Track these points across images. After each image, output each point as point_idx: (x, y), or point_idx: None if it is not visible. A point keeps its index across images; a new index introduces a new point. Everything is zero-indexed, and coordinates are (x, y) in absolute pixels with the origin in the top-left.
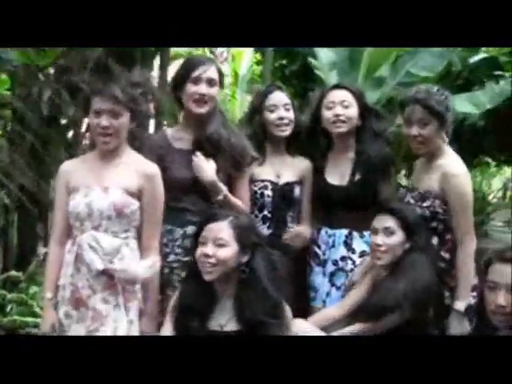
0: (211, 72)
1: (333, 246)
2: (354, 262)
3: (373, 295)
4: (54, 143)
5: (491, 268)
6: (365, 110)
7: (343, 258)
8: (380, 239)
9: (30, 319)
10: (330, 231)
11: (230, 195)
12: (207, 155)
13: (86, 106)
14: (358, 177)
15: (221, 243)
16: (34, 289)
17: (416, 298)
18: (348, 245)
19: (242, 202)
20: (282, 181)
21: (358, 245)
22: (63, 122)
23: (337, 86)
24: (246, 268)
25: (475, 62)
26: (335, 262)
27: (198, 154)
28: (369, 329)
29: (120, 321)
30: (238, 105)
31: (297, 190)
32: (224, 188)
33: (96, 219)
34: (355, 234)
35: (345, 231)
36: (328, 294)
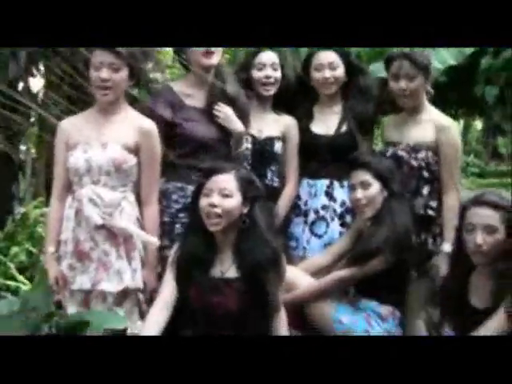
0: None
1: (314, 195)
2: (334, 211)
3: (358, 243)
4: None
5: (468, 212)
6: (351, 68)
7: (324, 207)
8: (359, 193)
9: (8, 282)
10: (312, 181)
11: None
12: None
13: (87, 60)
14: (344, 128)
15: (226, 194)
16: (14, 249)
17: (396, 240)
18: (329, 194)
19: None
20: (263, 135)
21: (339, 194)
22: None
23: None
24: (246, 218)
25: None
26: (316, 211)
27: (222, 105)
28: (355, 273)
29: (124, 271)
30: None
31: (277, 146)
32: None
33: (95, 174)
34: (336, 183)
35: (326, 181)
36: (308, 242)
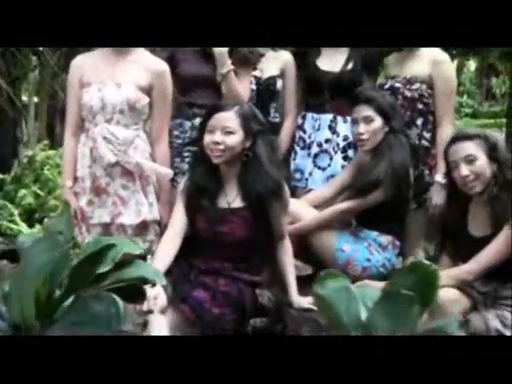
0: None
1: (318, 129)
2: (338, 145)
3: (359, 176)
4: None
5: (449, 152)
6: None
7: (327, 141)
8: (362, 128)
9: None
10: (316, 115)
11: (233, 74)
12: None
13: None
14: (350, 66)
15: (228, 131)
16: (22, 192)
17: (394, 173)
18: (332, 128)
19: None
20: (265, 75)
21: (342, 128)
22: None
23: None
24: (249, 152)
25: None
26: (319, 144)
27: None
28: (356, 205)
29: (141, 204)
30: None
31: (279, 83)
32: (229, 63)
33: (109, 113)
34: (339, 118)
35: (329, 116)
36: (311, 174)
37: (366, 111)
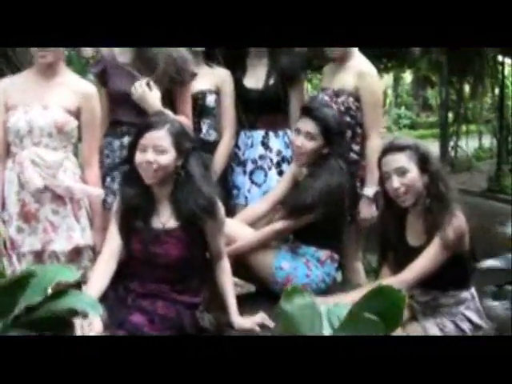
0: None
1: (251, 146)
2: (271, 160)
3: (293, 193)
4: None
5: (381, 163)
6: None
7: (261, 157)
8: (300, 141)
9: None
10: (249, 133)
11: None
12: (147, 71)
13: None
14: (271, 81)
15: (161, 149)
16: None
17: (330, 198)
18: (265, 144)
19: (184, 116)
20: (195, 89)
21: (275, 144)
22: None
23: None
24: (181, 170)
25: None
26: (254, 161)
27: (141, 81)
28: (291, 225)
29: (72, 229)
30: None
31: (209, 99)
32: (170, 113)
33: (36, 136)
34: (271, 133)
35: (261, 132)
36: (249, 191)
37: (311, 127)
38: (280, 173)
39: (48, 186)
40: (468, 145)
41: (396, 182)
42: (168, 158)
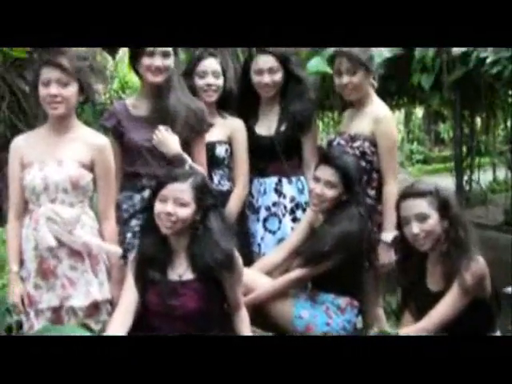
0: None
1: (264, 193)
2: (285, 207)
3: (310, 241)
4: None
5: (400, 206)
6: (289, 73)
7: (275, 204)
8: (320, 189)
9: None
10: (261, 179)
11: (193, 164)
12: (166, 123)
13: (36, 77)
14: (283, 128)
15: (181, 203)
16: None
17: (349, 246)
18: (278, 191)
19: (200, 166)
20: (206, 140)
21: (288, 190)
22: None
23: (263, 51)
24: (199, 224)
25: None
26: (268, 208)
27: (161, 127)
28: (308, 273)
29: (91, 284)
30: None
31: (219, 149)
32: (188, 158)
33: (52, 192)
34: (284, 180)
35: (274, 179)
36: (263, 239)
37: (331, 176)
38: (294, 219)
39: (65, 242)
40: (482, 178)
41: (416, 228)
42: (187, 211)
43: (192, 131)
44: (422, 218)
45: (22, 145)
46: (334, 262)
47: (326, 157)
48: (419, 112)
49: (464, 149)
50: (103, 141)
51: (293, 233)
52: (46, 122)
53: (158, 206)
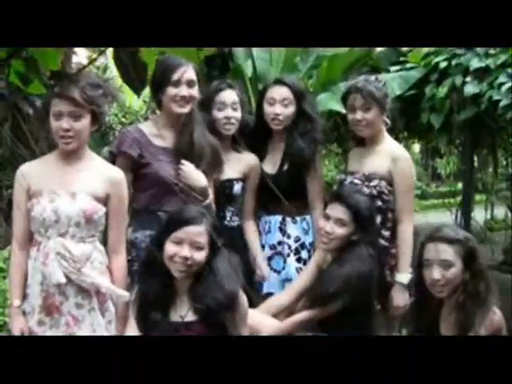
0: (190, 73)
1: (269, 231)
2: (289, 247)
3: (317, 282)
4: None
5: (425, 248)
6: (301, 110)
7: (280, 243)
8: (330, 227)
9: None
10: (267, 217)
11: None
12: (191, 156)
13: (46, 108)
14: (285, 167)
15: (198, 246)
16: None
17: (358, 287)
18: (283, 230)
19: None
20: (223, 177)
21: (292, 230)
22: None
23: (279, 82)
24: (206, 266)
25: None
26: (272, 247)
27: (185, 162)
28: (316, 314)
29: (97, 324)
30: None
31: (237, 187)
32: (211, 193)
33: (63, 226)
34: (288, 219)
35: (279, 217)
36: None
37: (343, 214)
38: (299, 259)
39: (74, 280)
40: (479, 216)
41: (437, 274)
42: (203, 254)
43: (209, 166)
44: (447, 265)
45: (30, 173)
46: (342, 304)
47: (337, 195)
48: (416, 147)
49: (460, 185)
50: (119, 174)
51: (300, 274)
52: (47, 145)
53: (172, 248)
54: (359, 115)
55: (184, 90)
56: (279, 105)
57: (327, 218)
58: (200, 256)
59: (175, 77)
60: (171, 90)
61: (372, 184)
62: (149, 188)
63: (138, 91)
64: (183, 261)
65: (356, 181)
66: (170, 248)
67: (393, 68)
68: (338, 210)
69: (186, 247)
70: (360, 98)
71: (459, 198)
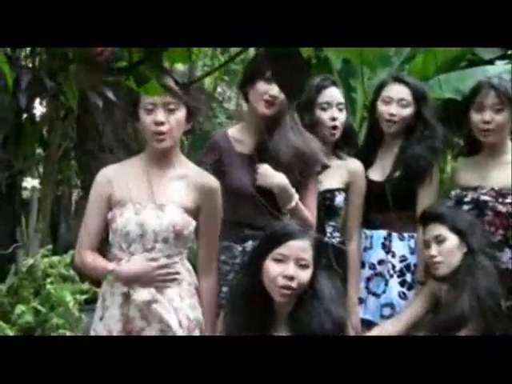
0: None
1: (370, 248)
2: (393, 267)
3: (437, 312)
4: (27, 138)
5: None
6: (419, 114)
7: (381, 262)
8: (433, 250)
9: None
10: (368, 232)
11: (300, 203)
12: (270, 163)
13: (133, 100)
14: (397, 174)
15: (303, 264)
16: (19, 308)
17: (482, 305)
18: (386, 247)
19: (311, 216)
20: (323, 188)
21: (398, 248)
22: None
23: (399, 80)
24: (308, 288)
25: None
26: (372, 266)
27: (262, 165)
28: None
29: None
30: None
31: (339, 199)
32: (296, 194)
33: (149, 241)
34: (394, 235)
35: (383, 232)
36: (363, 301)
37: (437, 229)
38: (403, 283)
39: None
40: None
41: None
42: (308, 274)
43: (300, 176)
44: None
45: (113, 178)
46: (470, 333)
47: (422, 218)
48: None
49: None
50: (215, 184)
51: (412, 303)
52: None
53: (274, 267)
54: (488, 116)
55: (275, 90)
56: (396, 105)
57: (427, 244)
58: (306, 275)
59: (268, 74)
60: (261, 86)
61: (508, 200)
62: (226, 199)
63: None
64: (287, 281)
65: (484, 197)
66: (271, 267)
67: (499, 62)
68: (430, 229)
69: (291, 265)
70: (494, 95)
71: None
